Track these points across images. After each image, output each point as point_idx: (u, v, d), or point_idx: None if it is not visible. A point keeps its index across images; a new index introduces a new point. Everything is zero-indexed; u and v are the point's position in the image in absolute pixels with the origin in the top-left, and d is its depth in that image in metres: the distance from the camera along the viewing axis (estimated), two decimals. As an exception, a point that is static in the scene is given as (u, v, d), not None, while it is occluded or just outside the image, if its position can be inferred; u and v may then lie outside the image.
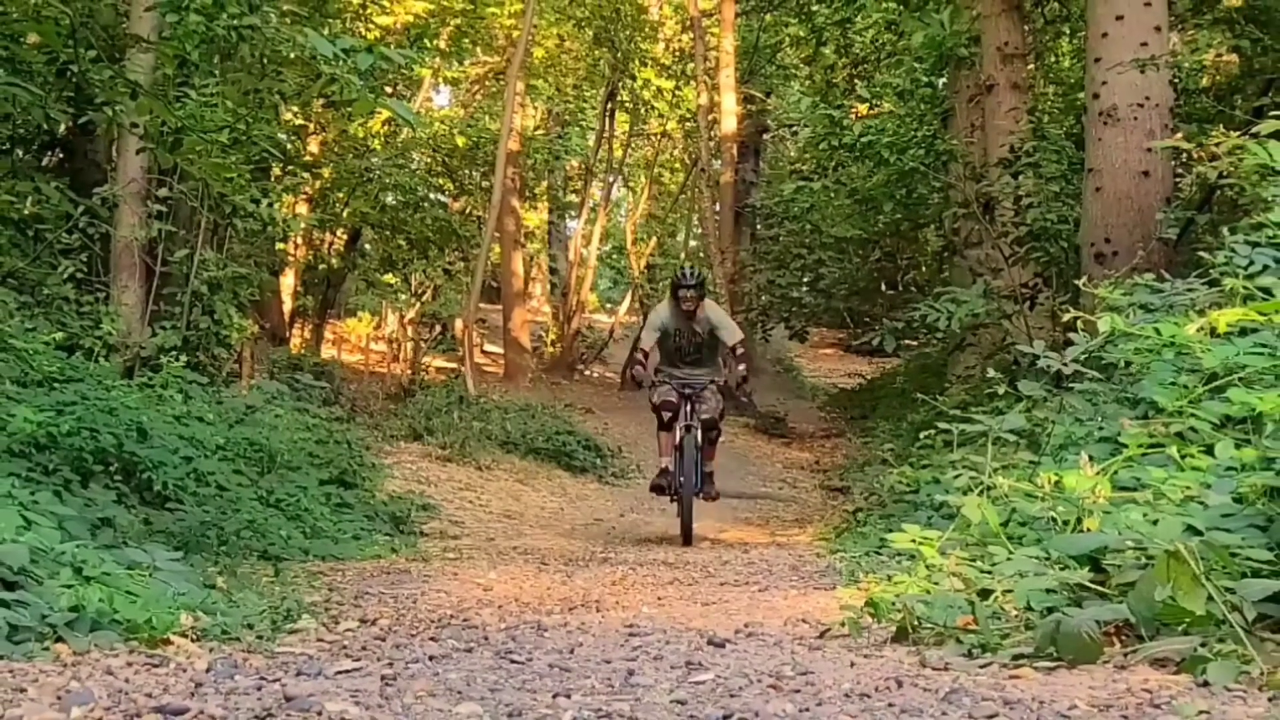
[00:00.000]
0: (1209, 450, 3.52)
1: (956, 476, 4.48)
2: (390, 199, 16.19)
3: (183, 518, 5.85)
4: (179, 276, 8.96)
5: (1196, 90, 11.11)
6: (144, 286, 8.61)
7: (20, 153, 8.87)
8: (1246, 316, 3.14)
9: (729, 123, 18.45)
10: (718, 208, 19.29)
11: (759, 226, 20.27)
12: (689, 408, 9.04)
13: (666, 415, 9.07)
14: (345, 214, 16.16)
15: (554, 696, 2.12)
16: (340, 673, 2.35)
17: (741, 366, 9.20)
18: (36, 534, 3.24)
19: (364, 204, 15.85)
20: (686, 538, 8.58)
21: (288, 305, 16.14)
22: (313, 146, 15.37)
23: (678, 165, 24.57)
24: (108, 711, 1.84)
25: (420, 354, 17.44)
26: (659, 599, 4.91)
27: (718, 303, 11.54)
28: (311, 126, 14.96)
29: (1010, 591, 2.94)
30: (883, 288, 18.47)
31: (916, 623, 3.02)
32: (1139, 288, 5.84)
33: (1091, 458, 3.68)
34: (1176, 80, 8.87)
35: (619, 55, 20.19)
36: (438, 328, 18.68)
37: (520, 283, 20.37)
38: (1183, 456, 3.53)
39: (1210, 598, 2.27)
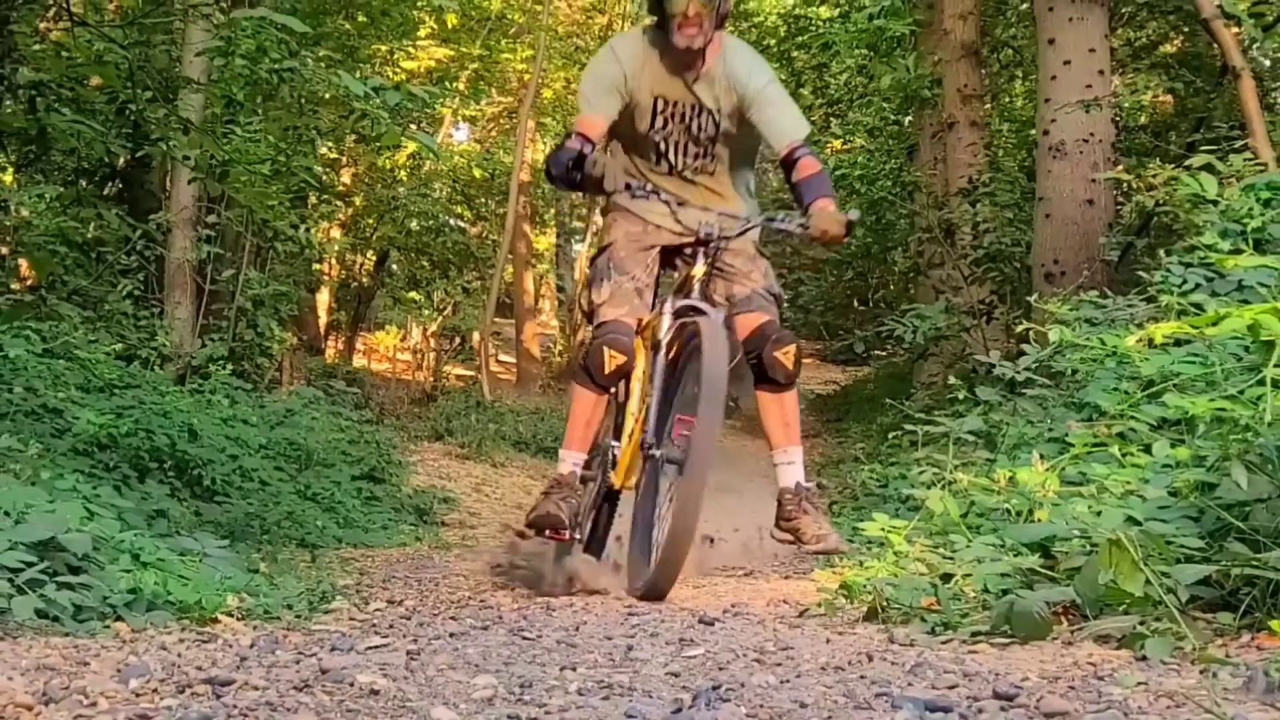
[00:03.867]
0: (1147, 449, 3.53)
1: (921, 473, 4.48)
2: (415, 224, 16.21)
3: (229, 510, 5.85)
4: (226, 294, 8.97)
5: (1136, 127, 11.16)
6: (195, 303, 8.61)
7: (84, 183, 8.86)
8: (1180, 329, 3.15)
9: (718, 156, 18.42)
10: (708, 232, 19.22)
11: (745, 249, 20.24)
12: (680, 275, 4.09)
13: (613, 355, 3.85)
14: (374, 238, 16.19)
15: (561, 669, 2.11)
16: (370, 648, 2.35)
17: (824, 200, 3.83)
18: (98, 524, 3.23)
19: (391, 229, 15.87)
20: (657, 590, 3.66)
21: (323, 319, 16.14)
22: (345, 177, 15.40)
23: (672, 194, 24.58)
24: (162, 683, 1.84)
25: (441, 363, 17.43)
26: (655, 582, 4.88)
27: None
28: (344, 160, 15.00)
29: (969, 575, 2.94)
30: (855, 304, 18.48)
31: (885, 603, 3.02)
32: (1084, 304, 5.84)
33: (1042, 456, 3.68)
34: (1118, 118, 8.89)
35: (619, 96, 20.21)
36: (457, 339, 18.67)
37: (531, 299, 20.37)
38: (1124, 455, 3.53)
39: (1148, 581, 2.28)
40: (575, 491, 4.03)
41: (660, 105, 3.99)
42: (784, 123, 3.99)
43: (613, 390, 4.09)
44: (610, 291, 4.02)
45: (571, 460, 4.06)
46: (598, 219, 22.52)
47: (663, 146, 4.05)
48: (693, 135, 4.02)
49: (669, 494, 3.87)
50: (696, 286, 3.93)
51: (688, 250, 4.07)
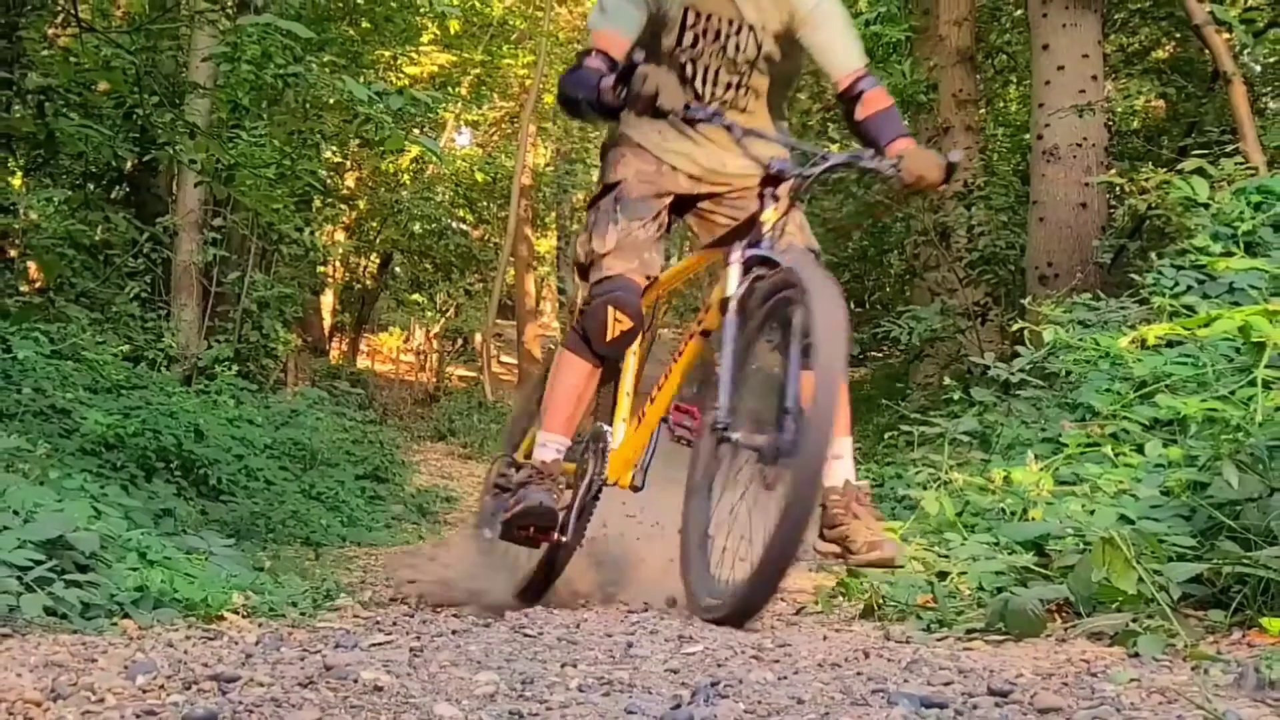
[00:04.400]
0: (1139, 449, 3.53)
1: (917, 473, 4.49)
2: (418, 227, 16.22)
3: (235, 508, 5.85)
4: (231, 296, 8.98)
5: (1128, 132, 11.16)
6: (201, 305, 8.62)
7: (92, 186, 8.87)
8: (1172, 331, 3.15)
9: (716, 160, 18.41)
10: (707, 235, 19.21)
11: (743, 252, 20.24)
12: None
13: (618, 317, 3.13)
14: (378, 241, 16.19)
15: (562, 666, 2.11)
16: (373, 645, 2.34)
17: (906, 140, 3.09)
18: (106, 523, 3.23)
19: (394, 232, 15.88)
20: (749, 606, 2.71)
21: (327, 321, 16.15)
22: (349, 181, 15.41)
23: (671, 198, 24.62)
24: (168, 679, 1.84)
25: (444, 364, 17.43)
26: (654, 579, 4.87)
27: None
28: (348, 164, 15.02)
29: (964, 574, 2.94)
30: (851, 305, 18.47)
31: (881, 601, 3.02)
32: (1078, 306, 5.85)
33: (1036, 456, 3.68)
34: (1110, 123, 8.89)
35: (620, 101, 20.22)
36: (459, 341, 18.68)
37: (532, 301, 20.39)
38: (1116, 455, 3.53)
39: (1140, 579, 2.28)
40: (558, 484, 3.22)
41: (691, 19, 3.15)
42: (844, 48, 3.24)
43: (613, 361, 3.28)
44: (617, 240, 3.22)
45: (555, 445, 3.23)
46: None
47: (689, 70, 3.20)
48: (728, 58, 3.18)
49: (750, 487, 3.03)
50: (768, 233, 3.03)
51: (702, 200, 3.34)
